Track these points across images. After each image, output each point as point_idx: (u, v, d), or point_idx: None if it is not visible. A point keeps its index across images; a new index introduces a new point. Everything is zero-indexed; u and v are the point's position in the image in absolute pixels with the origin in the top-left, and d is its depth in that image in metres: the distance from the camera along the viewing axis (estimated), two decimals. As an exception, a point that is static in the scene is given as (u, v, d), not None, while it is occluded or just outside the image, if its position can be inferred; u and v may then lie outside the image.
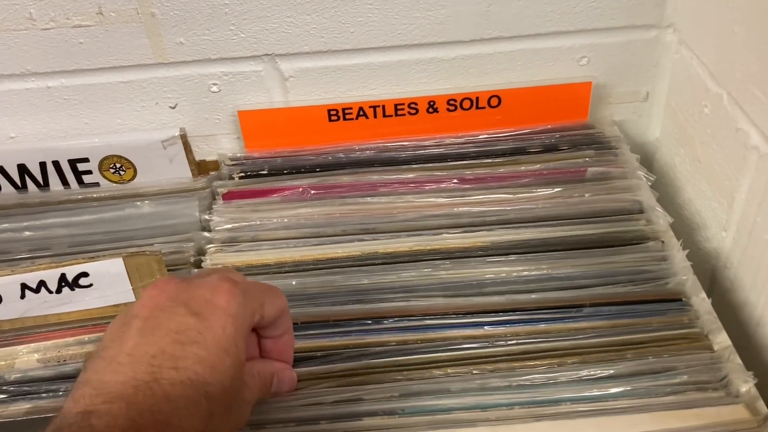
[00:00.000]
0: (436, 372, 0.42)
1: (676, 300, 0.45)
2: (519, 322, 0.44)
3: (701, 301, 0.44)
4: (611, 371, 0.41)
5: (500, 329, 0.44)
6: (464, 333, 0.44)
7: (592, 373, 0.41)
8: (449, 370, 0.42)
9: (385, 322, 0.44)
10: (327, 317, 0.45)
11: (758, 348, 0.47)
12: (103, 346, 0.33)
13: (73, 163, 0.59)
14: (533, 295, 0.45)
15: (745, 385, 0.39)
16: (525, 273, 0.46)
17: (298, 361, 0.43)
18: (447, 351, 0.43)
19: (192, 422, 0.30)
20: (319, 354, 0.44)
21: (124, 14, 0.54)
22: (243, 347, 0.34)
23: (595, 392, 0.40)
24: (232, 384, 0.33)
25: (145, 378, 0.30)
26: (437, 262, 0.48)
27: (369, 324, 0.44)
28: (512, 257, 0.48)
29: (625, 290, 0.45)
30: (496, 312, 0.44)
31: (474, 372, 0.41)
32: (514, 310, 0.44)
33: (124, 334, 0.33)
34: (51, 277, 0.48)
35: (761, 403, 0.39)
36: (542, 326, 0.43)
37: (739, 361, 0.41)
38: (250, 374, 0.37)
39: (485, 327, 0.43)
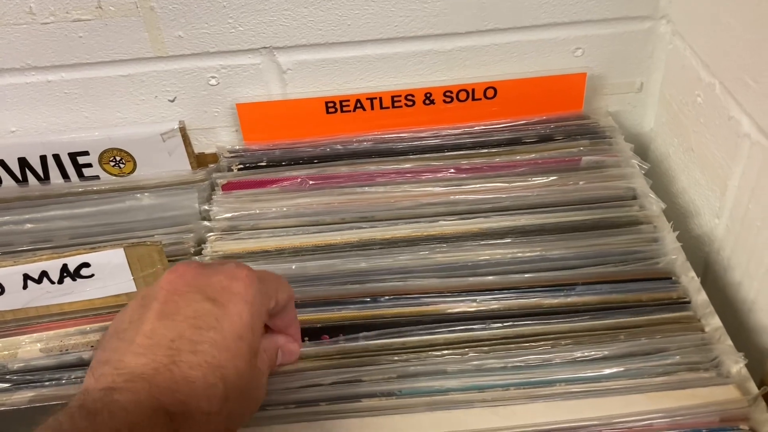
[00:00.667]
0: (434, 353, 0.42)
1: (665, 278, 0.45)
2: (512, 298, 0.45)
3: (690, 280, 0.45)
4: (605, 352, 0.41)
5: (494, 305, 0.44)
6: (458, 308, 0.44)
7: (586, 354, 0.41)
8: (446, 352, 0.42)
9: (382, 299, 0.44)
10: (326, 297, 0.46)
11: (749, 330, 0.47)
12: (121, 328, 0.34)
13: (73, 156, 0.59)
14: (527, 275, 0.46)
15: (736, 365, 0.40)
16: (519, 255, 0.47)
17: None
18: (444, 333, 0.43)
19: (209, 404, 0.31)
20: (318, 325, 0.44)
21: (123, 8, 0.55)
22: (259, 333, 0.35)
23: (589, 373, 0.40)
24: (247, 369, 0.34)
25: (165, 360, 0.31)
26: (433, 245, 0.48)
27: (367, 301, 0.44)
28: (507, 240, 0.48)
29: (617, 270, 0.46)
30: (490, 290, 0.44)
31: (471, 354, 0.42)
32: (507, 289, 0.45)
33: (142, 316, 0.34)
34: (53, 267, 0.49)
35: (751, 383, 0.39)
36: (535, 300, 0.44)
37: (729, 342, 0.42)
38: (260, 356, 0.38)
39: (477, 300, 0.44)
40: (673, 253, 0.47)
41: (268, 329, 0.41)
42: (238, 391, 0.33)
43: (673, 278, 0.45)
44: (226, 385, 0.32)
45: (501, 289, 0.45)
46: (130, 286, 0.50)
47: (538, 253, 0.47)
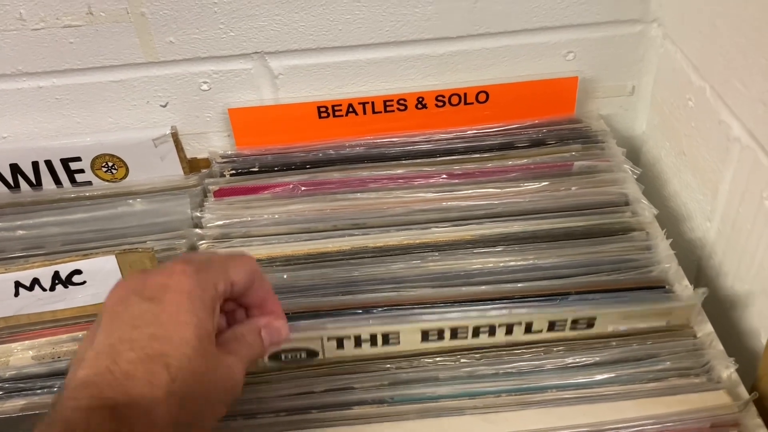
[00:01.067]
0: (425, 360, 0.42)
1: (659, 287, 0.45)
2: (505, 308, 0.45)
3: (684, 289, 0.45)
4: (596, 358, 0.41)
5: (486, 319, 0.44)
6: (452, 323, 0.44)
7: (577, 360, 0.41)
8: (438, 359, 0.42)
9: (375, 311, 0.44)
10: (317, 308, 0.46)
11: (741, 335, 0.47)
12: (79, 350, 0.35)
13: (65, 162, 0.59)
14: (519, 285, 0.45)
15: (727, 371, 0.40)
16: (512, 263, 0.47)
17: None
18: (436, 342, 0.43)
19: (152, 389, 0.32)
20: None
21: (114, 14, 0.55)
22: (207, 319, 0.36)
23: (581, 379, 0.40)
24: (198, 354, 0.34)
25: (105, 363, 0.33)
26: (426, 254, 0.48)
27: (359, 314, 0.44)
28: (499, 248, 0.48)
29: (610, 279, 0.46)
30: (483, 301, 0.44)
31: (462, 360, 0.42)
32: (500, 299, 0.45)
33: (92, 333, 0.35)
34: (45, 274, 0.49)
35: (742, 389, 0.39)
36: (525, 311, 0.44)
37: (720, 347, 0.42)
38: (232, 340, 0.38)
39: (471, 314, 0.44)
40: (666, 261, 0.47)
41: (248, 314, 0.41)
42: (189, 374, 0.33)
43: (667, 287, 0.45)
44: (170, 370, 0.33)
45: (494, 299, 0.45)
46: (122, 293, 0.50)
47: (530, 261, 0.47)
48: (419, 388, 0.41)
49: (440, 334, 0.43)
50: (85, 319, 0.50)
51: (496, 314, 0.43)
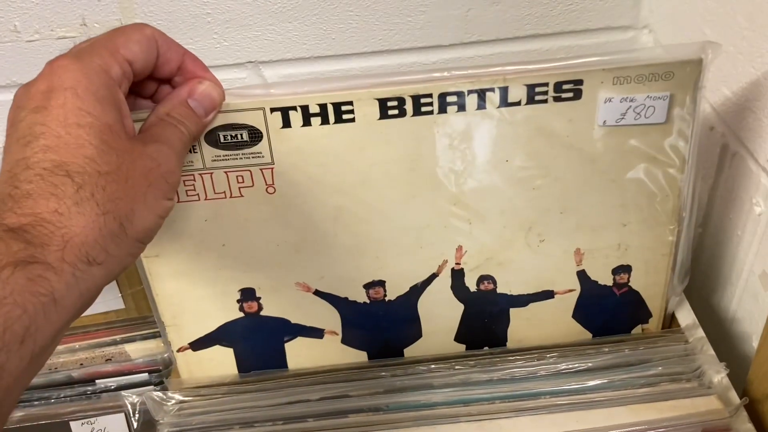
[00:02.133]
0: (420, 367, 0.43)
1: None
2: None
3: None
4: (589, 364, 0.42)
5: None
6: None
7: (570, 366, 0.42)
8: (432, 366, 0.43)
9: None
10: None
11: (731, 339, 0.48)
12: None
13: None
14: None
15: (718, 375, 0.40)
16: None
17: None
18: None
19: (61, 201, 0.29)
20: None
21: (108, 25, 0.55)
22: (105, 111, 0.32)
23: (574, 385, 0.41)
24: (102, 150, 0.31)
25: (7, 191, 0.30)
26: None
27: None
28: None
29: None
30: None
31: (456, 367, 0.42)
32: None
33: None
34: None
35: (733, 393, 0.40)
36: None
37: (712, 352, 0.42)
38: (154, 125, 0.34)
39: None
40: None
41: (173, 88, 0.36)
42: (98, 176, 0.30)
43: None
44: (74, 178, 0.30)
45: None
46: (118, 303, 0.51)
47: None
48: (414, 395, 0.41)
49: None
50: (81, 330, 0.51)
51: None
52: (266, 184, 0.39)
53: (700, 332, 0.44)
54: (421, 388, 0.42)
